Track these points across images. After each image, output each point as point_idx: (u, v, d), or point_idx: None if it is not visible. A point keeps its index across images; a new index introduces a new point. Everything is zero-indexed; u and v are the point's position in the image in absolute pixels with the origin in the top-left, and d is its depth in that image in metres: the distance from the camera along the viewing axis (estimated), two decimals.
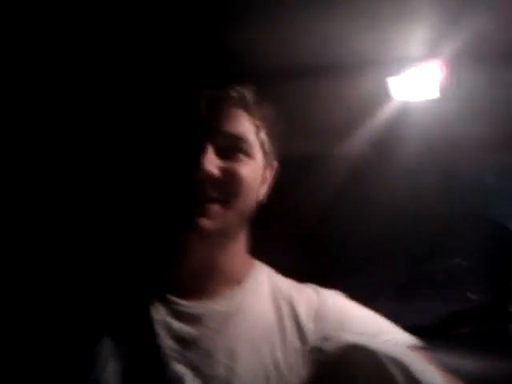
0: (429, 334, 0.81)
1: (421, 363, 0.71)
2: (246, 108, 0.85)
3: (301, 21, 0.84)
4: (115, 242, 1.01)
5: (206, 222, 0.78)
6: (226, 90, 0.84)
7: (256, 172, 0.85)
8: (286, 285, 0.89)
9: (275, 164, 0.93)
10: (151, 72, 0.96)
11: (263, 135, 0.87)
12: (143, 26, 0.84)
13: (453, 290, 1.13)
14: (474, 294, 1.09)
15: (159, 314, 0.80)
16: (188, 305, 0.81)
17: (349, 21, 0.84)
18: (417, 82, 0.99)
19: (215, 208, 0.79)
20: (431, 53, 0.91)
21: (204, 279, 0.84)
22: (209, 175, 0.78)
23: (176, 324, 0.79)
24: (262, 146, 0.87)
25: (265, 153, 0.88)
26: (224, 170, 0.80)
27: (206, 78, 0.88)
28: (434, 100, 1.03)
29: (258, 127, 0.86)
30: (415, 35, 0.89)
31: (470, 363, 1.01)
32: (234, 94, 0.84)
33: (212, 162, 0.79)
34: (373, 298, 0.87)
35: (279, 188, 0.92)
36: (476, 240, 1.27)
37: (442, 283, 1.15)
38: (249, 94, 0.85)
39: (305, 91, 1.03)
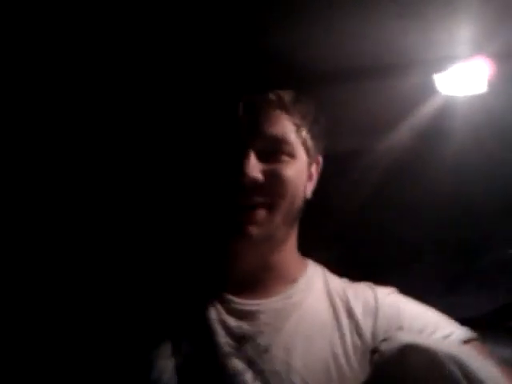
0: (481, 326, 0.82)
1: (479, 359, 0.71)
2: (285, 109, 0.85)
3: (347, 22, 0.85)
4: (173, 244, 1.03)
5: (252, 229, 0.79)
6: (264, 93, 0.84)
7: (300, 171, 0.86)
8: (341, 283, 0.90)
9: (320, 159, 0.93)
10: (192, 78, 0.96)
11: (304, 133, 0.87)
12: (183, 30, 0.85)
13: (504, 282, 1.12)
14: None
15: (216, 312, 0.82)
16: (244, 302, 0.83)
17: (395, 21, 0.84)
18: (464, 77, 1.00)
19: (261, 214, 0.80)
20: (478, 50, 0.92)
21: (258, 279, 0.86)
22: (253, 180, 0.79)
23: (233, 321, 0.81)
24: (303, 144, 0.87)
25: (307, 150, 0.88)
26: (268, 173, 0.81)
27: (247, 82, 0.88)
28: (480, 95, 1.03)
29: (298, 126, 0.86)
30: (462, 33, 0.89)
31: None
32: (272, 97, 0.84)
33: (255, 167, 0.80)
34: (424, 292, 0.88)
35: (325, 184, 0.93)
36: None
37: (493, 275, 1.14)
38: (286, 95, 0.85)
39: (353, 90, 1.04)
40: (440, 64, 0.97)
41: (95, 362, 0.79)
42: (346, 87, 1.02)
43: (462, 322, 0.83)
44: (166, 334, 0.81)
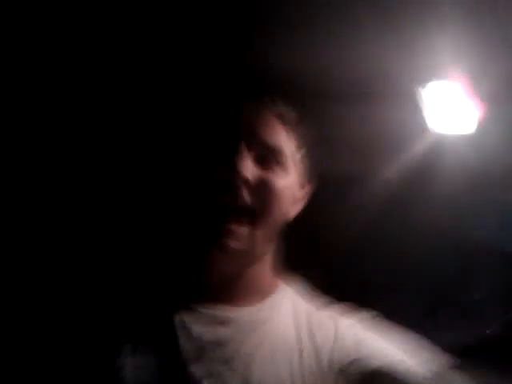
0: (461, 354, 0.82)
1: None
2: (287, 124, 0.86)
3: (339, 46, 0.88)
4: (146, 248, 1.01)
5: (232, 243, 0.79)
6: (270, 102, 0.85)
7: (290, 188, 0.85)
8: (308, 308, 0.89)
9: (310, 186, 0.92)
10: (197, 78, 0.97)
11: (301, 154, 0.87)
12: (191, 35, 0.87)
13: (487, 314, 1.13)
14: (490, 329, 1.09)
15: (181, 317, 0.81)
16: (210, 311, 0.82)
17: (388, 46, 0.87)
18: (454, 116, 1.03)
19: (243, 229, 0.79)
20: (469, 88, 0.95)
21: (228, 290, 0.85)
22: (244, 180, 0.78)
23: (197, 328, 0.80)
24: (298, 163, 0.87)
25: (301, 171, 0.88)
26: (259, 179, 0.80)
27: (248, 90, 0.89)
28: (470, 134, 1.05)
29: (296, 145, 0.87)
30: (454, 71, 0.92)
31: None
32: (277, 108, 0.85)
33: (248, 168, 0.79)
34: (401, 317, 0.88)
35: (313, 209, 0.93)
36: (497, 276, 1.26)
37: (463, 314, 1.15)
38: (291, 113, 0.86)
39: (343, 117, 1.04)
40: (431, 98, 0.99)
41: (58, 358, 0.79)
42: (336, 111, 1.02)
43: (442, 350, 0.82)
44: (130, 334, 0.80)
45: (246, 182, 0.78)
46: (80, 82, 0.98)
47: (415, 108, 1.00)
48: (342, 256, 1.12)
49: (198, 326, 0.80)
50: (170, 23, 0.85)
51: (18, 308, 0.90)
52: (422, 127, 1.05)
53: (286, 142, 0.85)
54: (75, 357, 0.78)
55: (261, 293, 0.87)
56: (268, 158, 0.83)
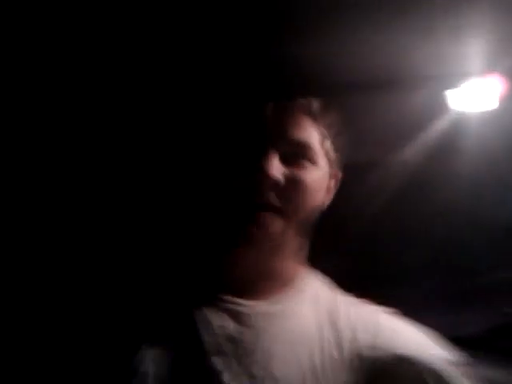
0: (476, 346, 0.81)
1: (463, 379, 0.71)
2: (312, 116, 0.84)
3: (361, 36, 0.85)
4: (170, 240, 1.01)
5: (257, 232, 0.78)
6: (294, 96, 0.83)
7: (320, 180, 0.84)
8: (331, 297, 0.88)
9: (339, 174, 0.91)
10: (222, 78, 0.96)
11: (328, 144, 0.86)
12: (214, 34, 0.85)
13: (503, 303, 1.11)
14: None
15: (204, 311, 0.81)
16: (232, 302, 0.82)
17: (408, 35, 0.85)
18: (476, 94, 0.99)
19: (270, 219, 0.79)
20: (491, 67, 0.92)
21: (252, 281, 0.84)
22: (273, 180, 0.77)
23: (218, 321, 0.80)
24: (326, 154, 0.86)
25: (330, 161, 0.87)
26: (288, 177, 0.79)
27: (271, 88, 0.88)
28: (492, 111, 1.02)
29: (323, 135, 0.84)
30: (475, 50, 0.89)
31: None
32: (301, 102, 0.83)
33: (276, 168, 0.78)
34: (422, 309, 0.87)
35: (337, 196, 0.91)
36: None
37: (492, 295, 1.13)
38: (315, 102, 0.84)
39: (365, 104, 1.03)
40: (452, 80, 0.96)
41: (83, 357, 0.79)
42: (358, 100, 1.02)
43: (459, 340, 0.82)
44: (150, 327, 0.80)
45: (274, 182, 0.78)
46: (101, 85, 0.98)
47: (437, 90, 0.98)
48: (363, 241, 1.12)
49: (219, 318, 0.80)
50: (194, 20, 0.84)
51: (37, 303, 0.93)
52: (444, 107, 1.02)
53: (312, 134, 0.83)
54: (96, 352, 0.79)
55: (283, 284, 0.87)
56: (296, 154, 0.81)
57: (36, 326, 0.90)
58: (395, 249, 1.18)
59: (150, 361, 0.77)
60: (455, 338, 0.82)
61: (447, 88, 1.00)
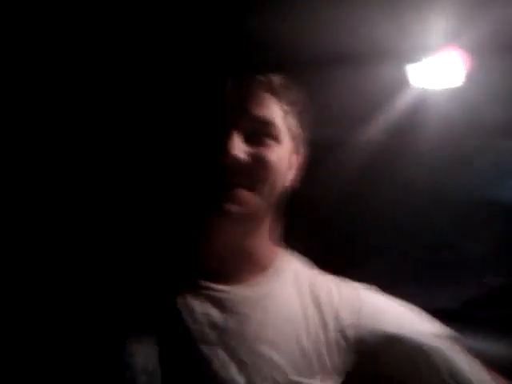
0: (449, 317, 0.83)
1: (461, 353, 0.73)
2: (274, 92, 0.83)
3: (321, 9, 0.84)
4: (142, 226, 1.01)
5: (232, 207, 0.77)
6: (256, 72, 0.83)
7: (283, 157, 0.84)
8: (311, 275, 0.90)
9: (303, 150, 0.91)
10: (178, 57, 0.96)
11: (291, 120, 0.86)
12: (171, 11, 0.84)
13: (472, 276, 1.14)
14: (493, 279, 1.10)
15: (185, 298, 0.80)
16: (212, 287, 0.81)
17: (370, 10, 0.84)
18: (437, 69, 1.00)
19: (242, 193, 0.79)
20: (452, 41, 0.92)
21: (230, 264, 0.84)
22: (236, 160, 0.77)
23: (203, 308, 0.79)
24: (289, 130, 0.85)
25: (293, 138, 0.87)
26: (251, 155, 0.79)
27: (231, 64, 0.88)
28: (453, 88, 1.03)
29: (285, 112, 0.84)
30: (436, 24, 0.89)
31: (488, 347, 1.02)
32: (262, 79, 0.83)
33: (239, 147, 0.77)
34: (392, 284, 0.88)
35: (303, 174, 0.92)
36: (495, 225, 1.28)
37: (461, 268, 1.16)
38: (276, 79, 0.84)
39: (325, 79, 1.03)
40: (413, 55, 0.96)
41: (66, 348, 0.78)
42: (320, 74, 1.02)
43: (434, 312, 0.83)
44: (135, 320, 0.79)
45: (237, 162, 0.77)
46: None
47: (400, 65, 0.98)
48: (332, 221, 1.12)
49: (201, 305, 0.80)
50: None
51: (20, 303, 0.89)
52: (407, 84, 1.02)
53: (275, 111, 0.83)
54: (84, 351, 0.77)
55: (260, 265, 0.87)
56: (259, 131, 0.81)
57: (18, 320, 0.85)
58: (363, 227, 1.19)
59: (138, 353, 0.76)
60: (430, 312, 0.83)
61: (408, 63, 1.00)
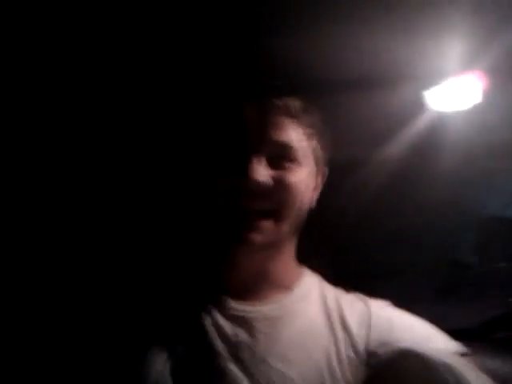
0: (469, 337, 0.82)
1: (472, 371, 0.72)
2: (293, 116, 0.84)
3: (341, 35, 0.86)
4: (172, 247, 1.02)
5: (257, 237, 0.78)
6: (272, 99, 0.83)
7: (307, 179, 0.85)
8: (335, 293, 0.90)
9: (326, 170, 0.92)
10: (199, 83, 0.96)
11: (313, 142, 0.86)
12: (191, 35, 0.85)
13: (494, 295, 1.13)
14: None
15: (211, 317, 0.81)
16: (239, 308, 0.82)
17: (389, 35, 0.86)
18: (454, 93, 1.01)
19: (267, 223, 0.79)
20: (469, 65, 0.93)
21: (254, 285, 0.85)
22: (257, 185, 0.77)
23: (229, 328, 0.80)
24: (312, 152, 0.86)
25: (316, 159, 0.87)
26: (272, 179, 0.79)
27: (250, 88, 0.88)
28: (470, 111, 1.04)
29: (305, 134, 0.85)
30: (453, 48, 0.91)
31: (509, 367, 1.02)
32: (280, 103, 0.83)
33: (260, 172, 0.78)
34: (414, 302, 0.88)
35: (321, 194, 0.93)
36: None
37: (483, 287, 1.15)
38: (295, 103, 0.84)
39: (345, 102, 1.03)
40: (431, 79, 0.98)
41: (90, 365, 0.78)
42: (338, 100, 1.03)
43: (450, 333, 0.83)
44: (162, 339, 0.80)
45: (259, 186, 0.78)
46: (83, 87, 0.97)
47: (417, 89, 0.99)
48: (348, 240, 1.12)
49: (229, 324, 0.80)
50: (169, 21, 0.84)
51: (40, 306, 0.92)
52: (424, 107, 1.04)
53: (295, 135, 0.84)
54: (106, 359, 0.78)
55: (286, 285, 0.87)
56: (280, 155, 0.82)
57: (38, 329, 0.88)
58: (381, 245, 1.19)
59: (167, 370, 0.76)
60: (448, 331, 0.83)
61: (426, 87, 1.01)
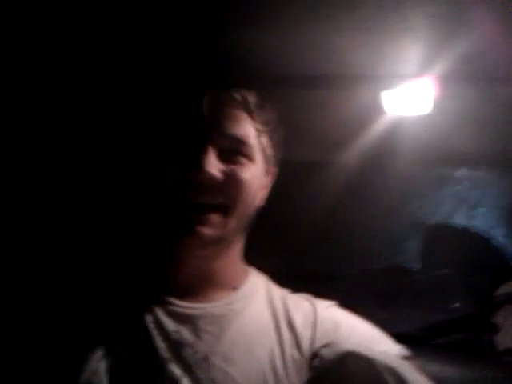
0: (410, 342, 0.83)
1: (414, 373, 0.73)
2: (249, 111, 0.83)
3: (300, 31, 0.84)
4: (112, 242, 1.00)
5: (206, 230, 0.77)
6: (229, 92, 0.82)
7: (257, 177, 0.84)
8: (281, 293, 0.89)
9: (275, 170, 0.92)
10: (154, 72, 0.95)
11: (265, 139, 0.86)
12: (146, 25, 0.84)
13: (435, 300, 1.15)
14: (456, 304, 1.12)
15: (153, 314, 0.79)
16: (183, 305, 0.80)
17: (349, 36, 0.86)
18: (409, 96, 1.02)
19: (215, 216, 0.78)
20: (424, 69, 0.94)
21: (199, 283, 0.84)
22: (210, 177, 0.76)
23: (171, 325, 0.78)
24: (263, 150, 0.86)
25: (265, 157, 0.87)
26: (224, 173, 0.79)
27: (208, 80, 0.87)
28: (426, 115, 1.05)
29: (259, 131, 0.84)
30: (411, 51, 0.91)
31: (449, 371, 1.04)
32: (237, 97, 0.82)
33: (213, 165, 0.77)
34: (358, 306, 0.88)
35: (274, 195, 0.92)
36: (459, 251, 1.31)
37: (425, 293, 1.17)
38: (252, 97, 0.84)
39: (300, 100, 1.04)
40: (387, 81, 0.98)
41: (27, 359, 0.76)
42: (294, 97, 1.02)
43: (392, 337, 0.83)
44: (99, 337, 0.77)
45: (211, 179, 0.77)
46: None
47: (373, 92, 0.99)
48: (302, 242, 1.12)
49: (172, 323, 0.79)
50: (128, 10, 0.82)
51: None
52: (380, 110, 1.04)
53: (249, 130, 0.83)
54: (47, 364, 0.75)
55: (232, 284, 0.86)
56: (233, 149, 0.81)
57: None
58: (330, 248, 1.20)
59: (105, 370, 0.74)
60: (391, 335, 0.83)
61: (383, 89, 1.02)
